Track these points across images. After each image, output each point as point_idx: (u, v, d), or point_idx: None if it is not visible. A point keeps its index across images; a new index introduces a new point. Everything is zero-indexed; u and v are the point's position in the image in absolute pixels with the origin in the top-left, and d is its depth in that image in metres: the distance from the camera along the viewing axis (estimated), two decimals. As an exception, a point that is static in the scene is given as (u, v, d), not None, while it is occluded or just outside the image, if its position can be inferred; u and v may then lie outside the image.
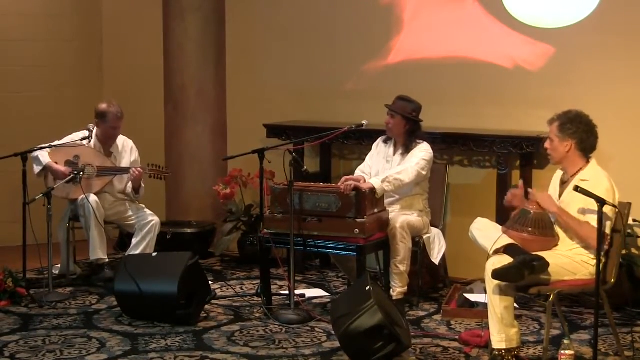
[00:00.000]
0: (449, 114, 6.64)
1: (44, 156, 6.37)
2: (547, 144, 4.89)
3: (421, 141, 5.92)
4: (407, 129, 5.90)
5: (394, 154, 5.98)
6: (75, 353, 5.07)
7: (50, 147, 6.41)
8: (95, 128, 6.47)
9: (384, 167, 5.97)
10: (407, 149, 5.90)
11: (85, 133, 6.43)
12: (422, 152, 5.86)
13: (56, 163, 6.38)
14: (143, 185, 6.61)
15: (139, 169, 6.46)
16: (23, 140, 7.02)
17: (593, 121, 4.82)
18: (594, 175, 4.74)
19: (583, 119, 4.81)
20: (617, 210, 4.62)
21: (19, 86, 7.97)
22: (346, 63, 7.16)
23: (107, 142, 6.58)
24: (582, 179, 4.72)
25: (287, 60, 7.45)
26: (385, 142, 6.08)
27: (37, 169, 6.40)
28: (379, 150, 6.11)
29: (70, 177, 6.22)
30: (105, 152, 6.56)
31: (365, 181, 5.80)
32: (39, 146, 6.38)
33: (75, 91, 8.14)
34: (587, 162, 4.82)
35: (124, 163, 6.61)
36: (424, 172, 5.84)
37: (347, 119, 6.54)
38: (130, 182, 6.54)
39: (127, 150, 6.68)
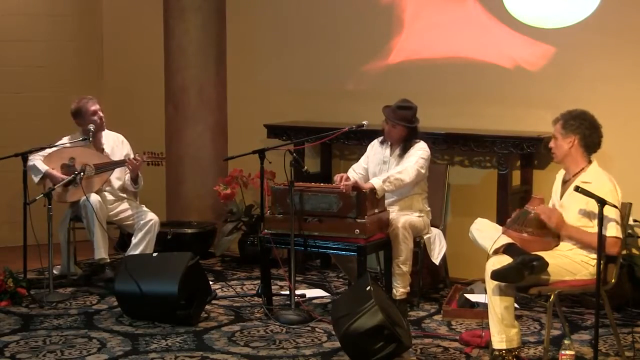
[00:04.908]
0: (449, 114, 6.64)
1: (40, 164, 6.35)
2: (551, 143, 4.89)
3: (418, 140, 5.91)
4: (407, 134, 5.89)
5: (391, 155, 5.96)
6: (76, 353, 5.07)
7: (48, 147, 6.40)
8: (92, 126, 6.44)
9: (381, 169, 5.95)
10: (404, 150, 5.88)
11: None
12: (420, 150, 5.84)
13: (52, 169, 6.36)
14: (141, 175, 6.58)
15: (136, 157, 6.43)
16: (23, 140, 7.03)
17: (598, 121, 4.81)
18: (596, 178, 4.72)
19: (587, 116, 4.80)
20: (619, 211, 4.61)
21: (19, 86, 7.97)
22: (347, 63, 7.16)
23: (98, 138, 6.54)
24: (584, 180, 4.69)
25: (287, 60, 7.45)
26: (381, 143, 6.05)
27: (36, 178, 6.36)
28: (375, 151, 6.08)
29: (71, 177, 6.21)
30: (97, 149, 6.54)
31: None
32: (39, 146, 6.37)
33: (76, 91, 8.06)
34: (589, 162, 4.81)
35: (117, 158, 6.57)
36: (423, 171, 5.82)
37: (348, 119, 6.54)
38: (128, 174, 6.52)
39: (118, 144, 6.66)
